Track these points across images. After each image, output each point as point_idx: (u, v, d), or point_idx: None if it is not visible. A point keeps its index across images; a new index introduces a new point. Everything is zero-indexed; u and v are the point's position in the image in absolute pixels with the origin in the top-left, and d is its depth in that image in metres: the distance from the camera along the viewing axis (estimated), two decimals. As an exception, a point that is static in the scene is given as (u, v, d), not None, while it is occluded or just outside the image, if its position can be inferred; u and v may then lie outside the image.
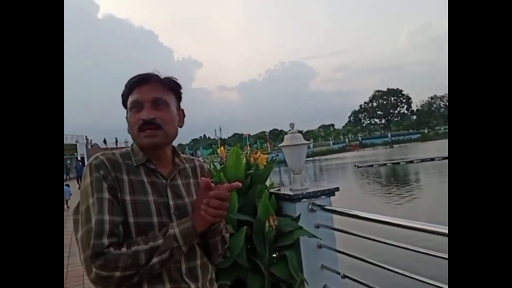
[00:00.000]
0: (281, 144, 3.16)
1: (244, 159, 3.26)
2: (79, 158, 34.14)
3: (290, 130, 3.20)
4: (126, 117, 1.25)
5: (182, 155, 1.35)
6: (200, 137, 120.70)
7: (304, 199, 2.86)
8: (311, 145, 73.49)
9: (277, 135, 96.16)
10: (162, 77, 1.23)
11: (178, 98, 1.29)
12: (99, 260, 1.04)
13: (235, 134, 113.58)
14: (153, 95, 1.19)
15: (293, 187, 3.04)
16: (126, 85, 1.23)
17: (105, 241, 1.06)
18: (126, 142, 45.39)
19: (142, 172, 1.19)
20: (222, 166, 3.12)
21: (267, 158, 3.33)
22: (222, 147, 3.51)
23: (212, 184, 1.14)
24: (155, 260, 1.07)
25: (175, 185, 1.24)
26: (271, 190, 3.07)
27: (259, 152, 3.28)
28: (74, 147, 37.32)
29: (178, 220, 1.15)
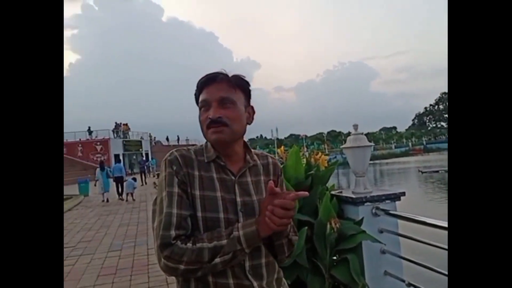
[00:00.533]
0: (343, 146, 3.10)
1: (305, 160, 3.25)
2: (143, 154, 35.93)
3: (353, 132, 3.14)
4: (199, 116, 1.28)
5: (255, 151, 1.36)
6: (257, 137, 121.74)
7: (368, 203, 2.79)
8: (371, 148, 71.16)
9: (335, 136, 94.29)
10: (230, 75, 1.24)
11: (247, 95, 1.29)
12: (166, 251, 1.10)
13: (291, 135, 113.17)
14: (220, 94, 1.20)
15: (356, 190, 2.98)
16: (197, 85, 1.26)
17: (172, 232, 1.11)
18: (187, 140, 47.06)
19: (212, 169, 1.23)
20: (282, 166, 3.14)
21: (328, 159, 3.29)
22: (282, 147, 3.53)
23: (278, 189, 1.12)
24: (217, 260, 1.10)
25: (243, 182, 1.25)
26: (332, 192, 3.03)
27: (320, 153, 3.25)
28: (139, 144, 39.37)
29: (244, 221, 1.16)
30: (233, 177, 1.24)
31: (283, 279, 1.32)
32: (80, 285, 4.80)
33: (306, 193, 1.13)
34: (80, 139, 35.39)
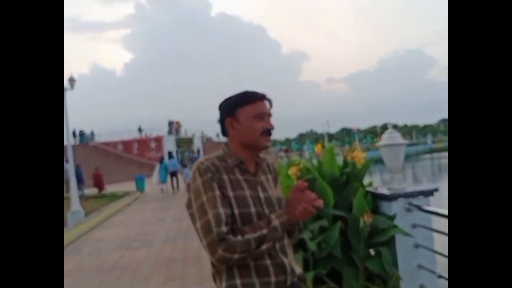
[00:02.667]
0: (377, 144, 3.20)
1: (342, 157, 3.38)
2: (195, 151, 37.01)
3: (389, 129, 3.22)
4: (232, 118, 1.48)
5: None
6: (307, 131, 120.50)
7: (401, 198, 2.88)
8: (429, 141, 68.21)
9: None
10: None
11: None
12: (223, 244, 1.30)
13: (343, 129, 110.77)
14: (270, 111, 1.51)
15: (391, 186, 3.07)
16: (246, 96, 1.49)
17: (224, 228, 1.32)
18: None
19: (236, 172, 1.45)
20: (318, 163, 3.29)
21: (365, 156, 3.39)
22: (319, 145, 3.66)
23: (305, 183, 1.40)
24: (264, 246, 1.34)
25: (260, 180, 1.49)
26: (368, 189, 3.14)
27: (355, 151, 3.36)
28: (191, 141, 40.63)
29: (276, 213, 1.41)
30: (253, 177, 1.48)
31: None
32: (139, 273, 5.28)
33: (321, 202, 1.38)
34: (136, 137, 37.16)
